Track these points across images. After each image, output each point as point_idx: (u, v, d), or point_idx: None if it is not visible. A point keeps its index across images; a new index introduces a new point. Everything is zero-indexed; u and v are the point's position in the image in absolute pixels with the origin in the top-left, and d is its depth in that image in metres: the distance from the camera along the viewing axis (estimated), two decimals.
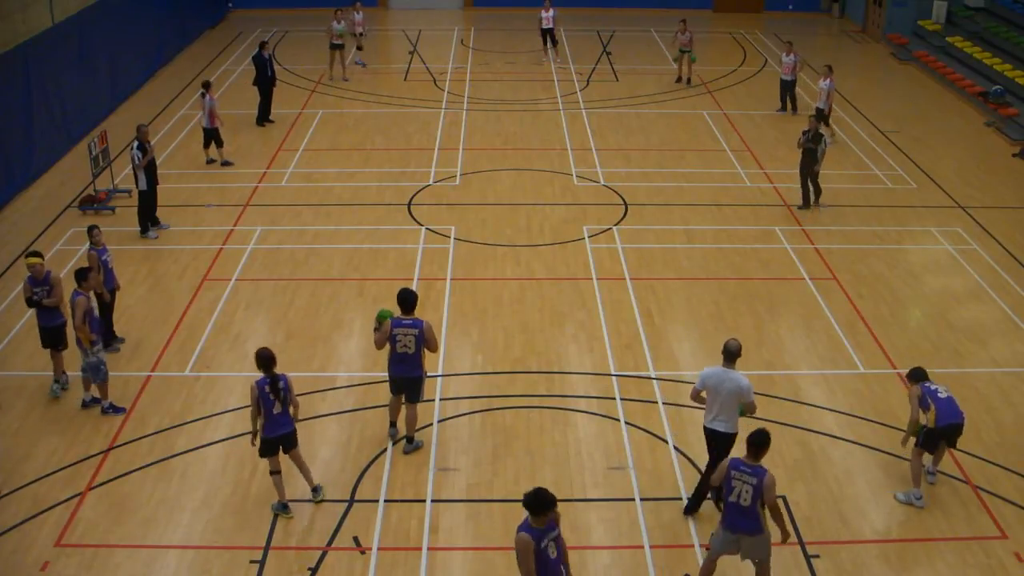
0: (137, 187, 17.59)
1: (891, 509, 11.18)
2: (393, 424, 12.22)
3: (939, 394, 10.97)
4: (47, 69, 21.12)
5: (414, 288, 15.68)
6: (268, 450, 10.76)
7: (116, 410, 12.65)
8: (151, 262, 16.72)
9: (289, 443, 10.81)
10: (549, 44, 29.37)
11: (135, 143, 17.29)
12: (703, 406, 10.81)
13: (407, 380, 11.71)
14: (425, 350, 11.60)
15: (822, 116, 21.97)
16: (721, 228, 18.19)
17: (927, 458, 11.45)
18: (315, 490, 11.12)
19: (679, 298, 15.69)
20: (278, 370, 10.63)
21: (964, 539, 10.71)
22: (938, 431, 10.96)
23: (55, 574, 10.15)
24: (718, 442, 10.64)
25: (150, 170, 17.39)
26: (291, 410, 10.72)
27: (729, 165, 21.31)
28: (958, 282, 16.50)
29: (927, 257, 17.45)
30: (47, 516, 10.93)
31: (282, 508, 10.92)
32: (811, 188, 18.97)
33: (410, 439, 12.01)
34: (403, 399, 11.89)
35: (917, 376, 11.27)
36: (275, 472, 10.88)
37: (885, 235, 18.09)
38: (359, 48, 28.87)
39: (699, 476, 11.39)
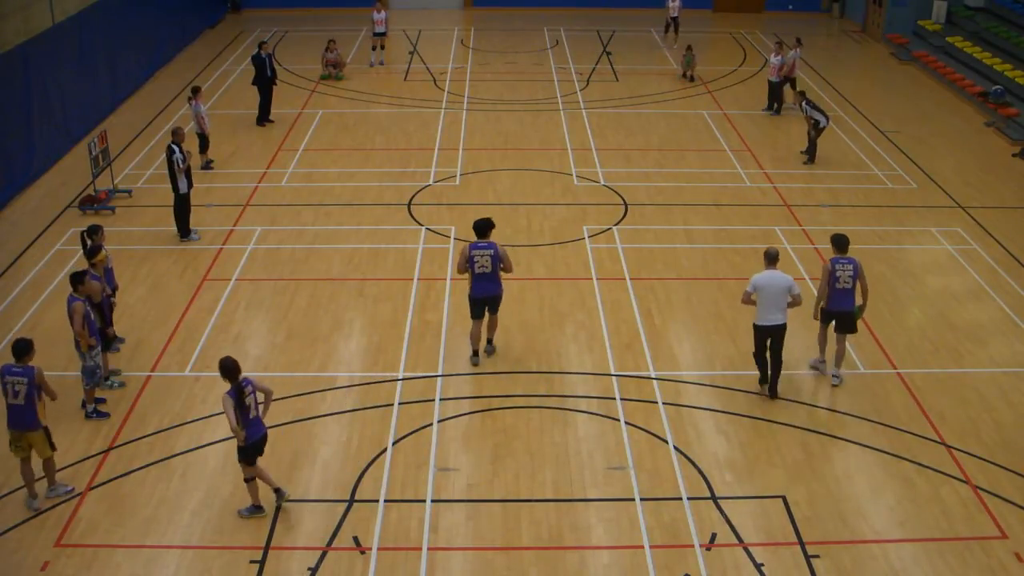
0: (177, 190, 17.12)
1: (891, 509, 11.18)
2: (476, 353, 13.78)
3: (838, 283, 12.93)
4: (47, 69, 21.12)
5: (415, 283, 15.71)
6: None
7: (100, 415, 12.60)
8: (151, 262, 16.72)
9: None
10: (672, 31, 31.26)
11: (174, 145, 17.00)
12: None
13: (492, 298, 13.53)
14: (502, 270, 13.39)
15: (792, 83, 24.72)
16: (721, 228, 18.19)
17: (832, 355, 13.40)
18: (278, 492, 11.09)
19: (679, 298, 15.69)
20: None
21: (964, 539, 10.71)
22: (827, 312, 13.17)
23: (55, 574, 10.15)
24: (777, 333, 12.81)
25: (187, 172, 17.17)
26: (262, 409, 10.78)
27: (729, 165, 21.31)
28: (958, 282, 16.50)
29: (927, 257, 17.45)
30: (47, 516, 10.93)
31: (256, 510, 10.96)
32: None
33: (489, 340, 13.95)
34: (488, 313, 13.64)
35: (838, 246, 13.11)
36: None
37: (885, 235, 18.09)
38: (382, 47, 28.89)
39: (700, 474, 11.49)
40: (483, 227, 13.47)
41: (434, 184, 20.12)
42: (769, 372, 13.05)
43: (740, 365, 13.87)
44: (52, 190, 19.80)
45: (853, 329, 13.28)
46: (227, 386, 10.54)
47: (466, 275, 13.58)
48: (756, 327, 12.95)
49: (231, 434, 12.22)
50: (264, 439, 10.81)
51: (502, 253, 13.41)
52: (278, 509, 10.96)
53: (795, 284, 12.85)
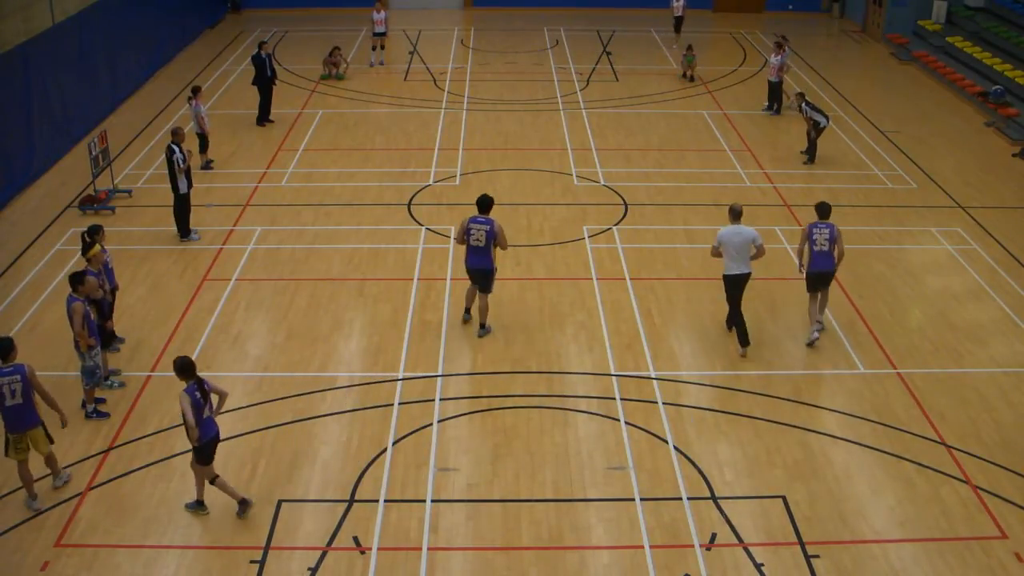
0: (177, 191, 17.08)
1: (891, 509, 11.18)
2: (467, 311, 14.58)
3: (815, 246, 13.85)
4: (47, 69, 21.12)
5: (415, 283, 15.74)
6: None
7: (100, 415, 12.60)
8: (151, 262, 16.72)
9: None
10: (676, 31, 31.84)
11: (174, 145, 16.95)
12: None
13: (479, 271, 14.03)
14: (497, 248, 14.00)
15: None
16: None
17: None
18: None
19: (679, 298, 15.69)
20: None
21: (964, 539, 10.72)
22: (808, 274, 14.03)
23: (55, 574, 10.16)
24: (741, 283, 13.76)
25: (187, 172, 17.15)
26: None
27: (729, 165, 21.31)
28: (958, 282, 16.50)
29: (927, 257, 17.45)
30: (47, 516, 10.93)
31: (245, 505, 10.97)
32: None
33: (482, 325, 14.39)
34: (477, 289, 14.22)
35: (819, 213, 14.17)
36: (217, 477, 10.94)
37: (885, 235, 18.09)
38: (382, 47, 28.88)
39: (700, 474, 11.50)
40: (484, 203, 14.15)
41: (434, 184, 20.12)
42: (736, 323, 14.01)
43: (740, 365, 13.87)
44: (52, 190, 19.80)
45: (827, 287, 14.31)
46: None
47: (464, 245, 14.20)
48: (724, 278, 13.90)
49: (229, 433, 12.26)
50: (216, 439, 10.82)
51: (498, 230, 13.94)
52: (241, 513, 10.95)
53: (758, 236, 13.74)
